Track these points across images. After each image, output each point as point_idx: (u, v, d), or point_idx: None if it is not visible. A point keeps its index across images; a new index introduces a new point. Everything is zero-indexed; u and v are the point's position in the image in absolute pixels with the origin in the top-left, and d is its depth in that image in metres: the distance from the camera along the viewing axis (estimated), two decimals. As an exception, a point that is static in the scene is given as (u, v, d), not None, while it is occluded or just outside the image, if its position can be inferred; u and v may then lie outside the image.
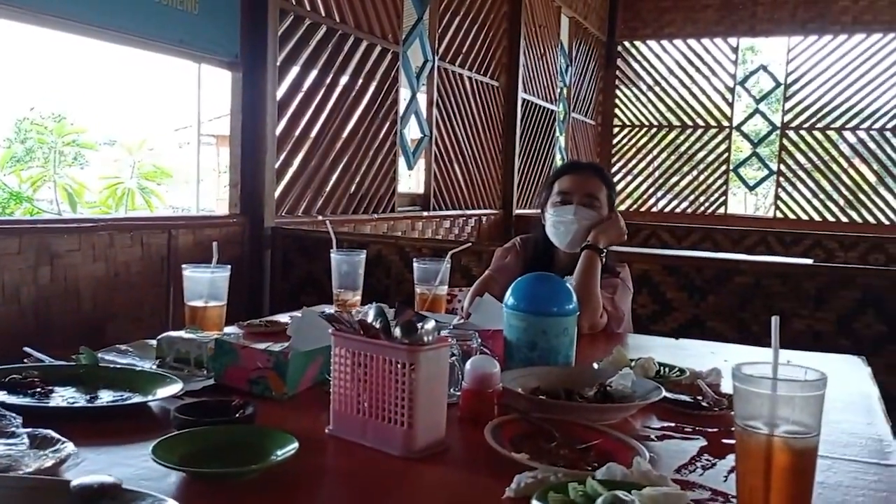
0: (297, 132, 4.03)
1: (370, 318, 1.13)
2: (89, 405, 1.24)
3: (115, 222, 3.09)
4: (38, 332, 2.65)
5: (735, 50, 9.01)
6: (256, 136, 3.67)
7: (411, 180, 5.90)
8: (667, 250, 5.69)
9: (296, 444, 1.01)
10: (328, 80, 4.23)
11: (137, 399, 1.26)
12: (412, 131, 5.43)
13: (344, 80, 4.39)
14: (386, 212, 4.89)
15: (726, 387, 1.42)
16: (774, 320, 0.94)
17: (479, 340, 1.46)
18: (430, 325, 1.11)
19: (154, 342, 1.58)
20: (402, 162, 5.14)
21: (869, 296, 2.78)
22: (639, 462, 0.97)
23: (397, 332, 1.10)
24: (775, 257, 5.04)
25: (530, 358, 1.50)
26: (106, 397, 1.28)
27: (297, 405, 1.32)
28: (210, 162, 18.03)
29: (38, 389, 1.27)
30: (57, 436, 1.01)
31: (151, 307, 3.16)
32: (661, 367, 1.55)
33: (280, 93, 3.83)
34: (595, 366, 1.54)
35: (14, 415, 1.04)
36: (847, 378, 1.63)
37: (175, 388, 1.29)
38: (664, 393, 1.32)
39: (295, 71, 3.97)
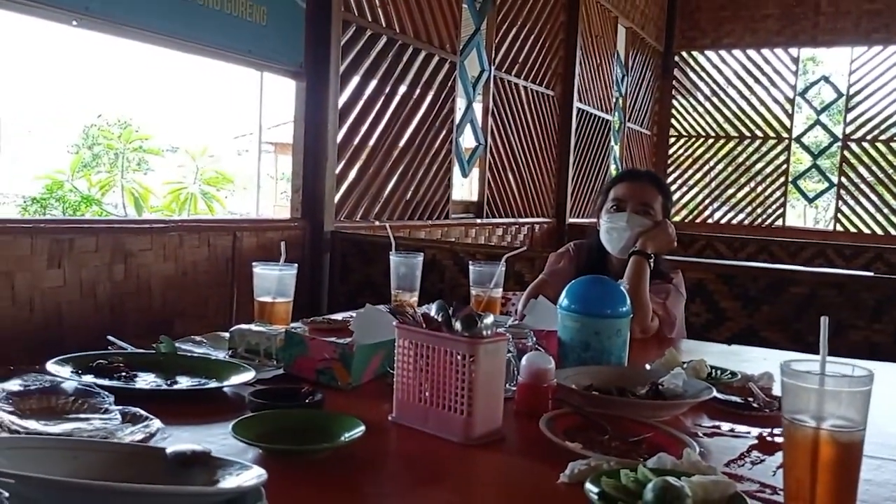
0: (357, 140, 4.14)
1: (433, 312, 1.20)
2: (171, 388, 1.33)
3: (184, 223, 3.23)
4: (112, 325, 2.78)
5: (796, 60, 8.87)
6: (318, 143, 3.79)
7: (465, 188, 5.97)
8: (718, 260, 5.64)
9: (363, 427, 1.08)
10: (387, 89, 4.33)
11: (214, 384, 1.35)
12: (467, 140, 5.50)
13: (403, 89, 4.49)
14: (440, 218, 4.97)
15: (777, 390, 1.44)
16: (823, 320, 0.98)
17: (535, 339, 1.51)
18: (489, 319, 1.18)
19: (226, 334, 1.67)
20: (457, 170, 5.22)
21: (929, 309, 2.74)
22: (689, 453, 1.02)
23: (458, 325, 1.17)
24: (834, 269, 4.97)
25: (583, 358, 1.55)
26: (185, 382, 1.37)
27: (361, 395, 1.39)
28: (268, 169, 18.46)
29: (124, 374, 1.36)
30: (145, 413, 1.10)
31: (216, 305, 3.28)
32: (713, 370, 1.59)
33: (341, 101, 3.94)
34: (647, 367, 1.58)
35: (107, 393, 1.13)
36: (900, 386, 1.63)
37: (248, 375, 1.38)
38: (715, 392, 1.35)
39: (356, 80, 4.08)
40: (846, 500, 0.91)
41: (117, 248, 2.84)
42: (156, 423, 1.06)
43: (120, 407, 1.11)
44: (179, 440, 1.07)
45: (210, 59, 3.29)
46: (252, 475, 0.77)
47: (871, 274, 3.77)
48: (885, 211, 8.42)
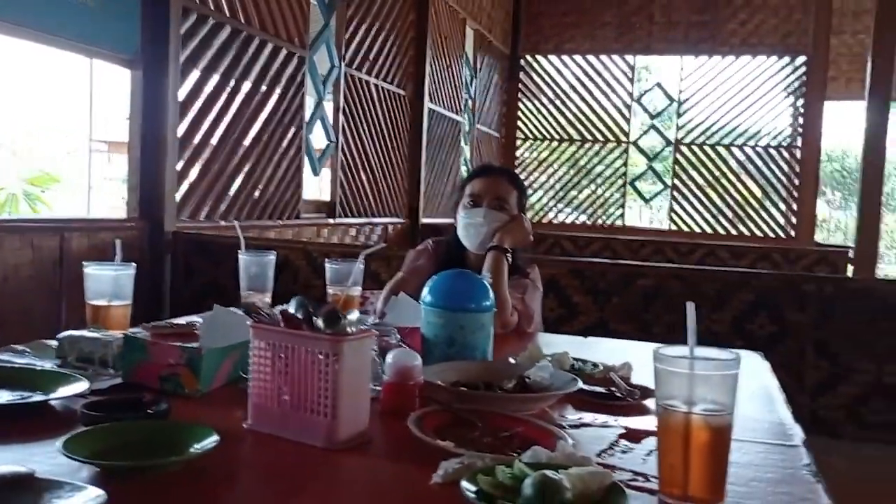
0: (200, 135, 3.93)
1: (292, 309, 1.11)
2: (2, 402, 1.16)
3: (3, 224, 2.92)
4: (-84, 339, 2.47)
5: (632, 68, 9.36)
6: (157, 138, 3.55)
7: (317, 187, 5.84)
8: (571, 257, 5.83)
9: (216, 437, 0.98)
10: (232, 83, 4.14)
11: (39, 397, 1.19)
12: (318, 138, 5.37)
13: (248, 82, 4.31)
14: (291, 218, 4.81)
15: (636, 379, 1.46)
16: (690, 306, 0.98)
17: (399, 337, 1.45)
18: (353, 315, 1.10)
19: (53, 342, 1.50)
20: (307, 168, 5.08)
21: (761, 299, 2.93)
22: (563, 446, 0.99)
23: (320, 322, 1.08)
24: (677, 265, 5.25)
25: (448, 354, 1.50)
26: (4, 396, 1.20)
27: (211, 402, 1.28)
28: (102, 169, 17.31)
29: (-71, 389, 1.18)
30: (-47, 434, 0.94)
31: (42, 312, 3.00)
32: (575, 362, 1.59)
33: (182, 94, 3.72)
34: (512, 360, 1.56)
35: None
36: (748, 371, 1.70)
37: (80, 386, 1.22)
38: (581, 384, 1.34)
39: (197, 72, 3.87)
40: (718, 482, 0.92)
41: (-77, 250, 2.52)
42: (-34, 446, 0.91)
43: (-80, 428, 0.94)
44: (2, 461, 0.93)
45: (34, 44, 2.99)
46: (87, 497, 0.66)
47: (710, 268, 4.01)
48: (713, 210, 9.04)
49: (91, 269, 1.66)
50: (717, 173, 9.06)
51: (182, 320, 1.98)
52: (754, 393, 1.51)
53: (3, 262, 2.82)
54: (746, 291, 2.90)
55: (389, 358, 1.26)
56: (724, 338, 2.88)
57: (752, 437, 1.19)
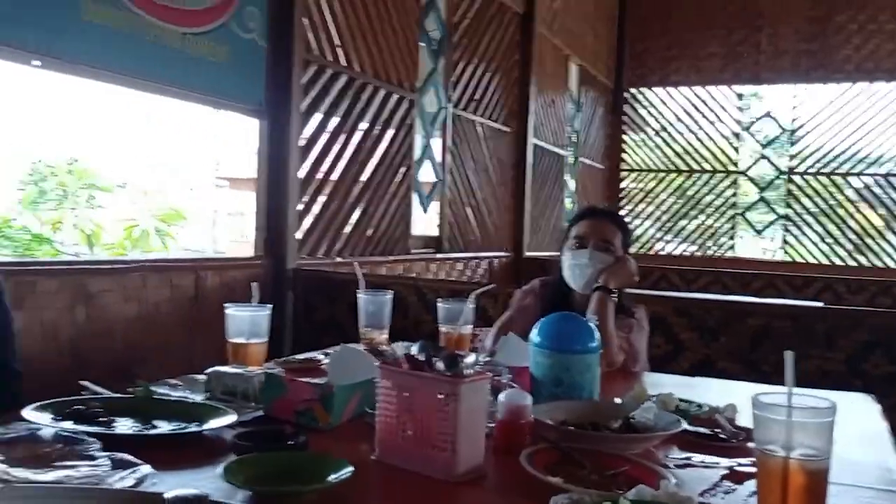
0: (318, 177, 4.17)
1: (415, 352, 1.23)
2: (154, 433, 1.33)
3: (146, 263, 3.21)
4: (73, 369, 2.74)
5: (740, 97, 9.19)
6: (280, 181, 3.81)
7: (425, 223, 6.03)
8: (677, 293, 5.77)
9: (351, 468, 1.11)
10: (348, 127, 4.38)
11: (195, 428, 1.36)
12: (426, 175, 5.57)
13: (363, 126, 4.54)
14: (401, 254, 5.00)
15: (742, 421, 1.50)
16: (788, 355, 1.03)
17: (510, 376, 1.55)
18: (471, 359, 1.21)
19: (201, 377, 1.68)
20: (416, 205, 5.27)
21: (877, 337, 2.86)
22: (666, 484, 1.06)
23: (440, 365, 1.20)
24: (785, 300, 5.12)
25: (556, 393, 1.59)
26: (164, 426, 1.38)
27: (341, 435, 1.41)
28: (223, 204, 18.27)
29: (102, 419, 1.36)
30: (133, 458, 1.11)
31: (179, 345, 3.25)
32: (681, 403, 1.64)
33: (302, 140, 3.97)
34: (618, 401, 1.63)
35: (93, 439, 1.13)
36: (858, 415, 1.71)
37: (229, 418, 1.39)
38: (685, 425, 1.40)
39: (317, 118, 4.12)
40: (816, 525, 0.97)
41: (79, 289, 2.81)
42: (144, 469, 1.07)
43: (107, 453, 1.11)
44: (169, 485, 1.08)
45: (172, 99, 3.30)
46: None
47: (821, 305, 3.91)
48: (829, 240, 8.71)
49: (232, 310, 1.85)
50: (832, 202, 8.74)
51: (307, 355, 2.15)
52: (862, 436, 1.52)
53: (146, 299, 3.09)
54: (861, 330, 2.84)
55: (502, 397, 1.36)
56: (838, 378, 2.82)
57: (855, 481, 1.22)
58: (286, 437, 1.27)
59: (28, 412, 1.33)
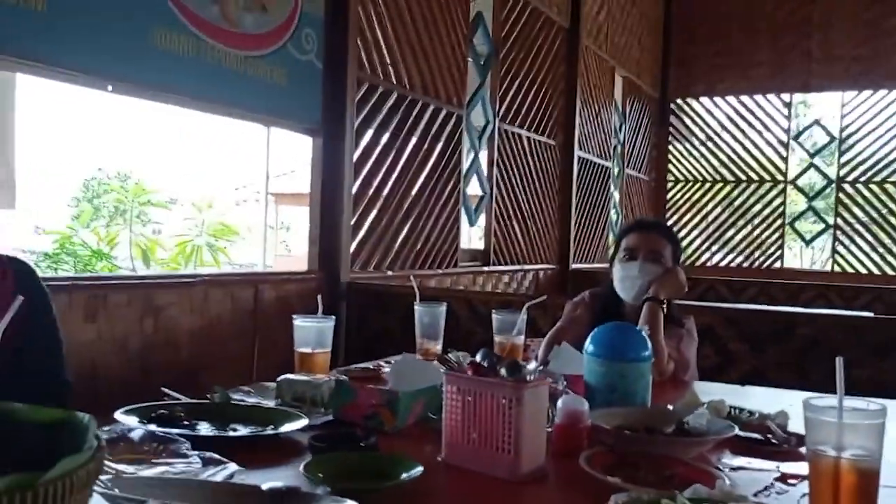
0: (370, 192, 4.29)
1: (479, 360, 1.31)
2: (237, 434, 1.43)
3: (209, 277, 3.35)
4: (141, 377, 2.88)
5: (788, 105, 9.11)
6: (334, 197, 3.93)
7: (473, 236, 6.11)
8: (726, 304, 5.75)
9: (421, 467, 1.19)
10: (398, 143, 4.49)
11: (272, 431, 1.45)
12: (474, 189, 5.66)
13: (413, 141, 4.65)
14: (450, 266, 5.09)
15: (793, 427, 1.54)
16: (839, 361, 1.09)
17: (565, 383, 1.62)
18: (532, 365, 1.29)
19: (271, 384, 1.78)
20: (464, 218, 5.36)
21: (930, 347, 2.85)
22: (721, 484, 1.12)
23: (503, 371, 1.28)
24: (835, 310, 5.08)
25: (610, 400, 1.65)
26: (242, 430, 1.47)
27: (406, 438, 1.49)
28: (268, 219, 18.62)
29: (185, 422, 1.47)
30: (220, 457, 1.20)
31: (239, 355, 3.38)
32: (732, 409, 1.69)
33: (355, 156, 4.09)
34: (670, 407, 1.68)
35: (183, 439, 1.23)
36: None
37: (302, 422, 1.48)
38: (737, 430, 1.45)
39: (369, 134, 4.24)
40: (866, 523, 1.02)
41: (147, 302, 2.95)
42: (232, 466, 1.16)
43: (196, 452, 1.21)
44: (256, 480, 1.18)
45: (234, 119, 3.44)
46: (346, 505, 0.88)
47: (872, 315, 3.89)
48: (881, 251, 8.56)
49: (300, 322, 1.95)
50: (883, 211, 8.59)
51: (366, 364, 2.25)
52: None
53: (209, 311, 3.23)
54: (914, 340, 2.84)
55: (560, 403, 1.43)
56: (892, 387, 2.82)
57: (907, 484, 1.25)
58: (358, 439, 1.36)
59: (119, 415, 1.44)
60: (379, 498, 1.14)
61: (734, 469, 1.34)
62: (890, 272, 8.43)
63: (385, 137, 4.38)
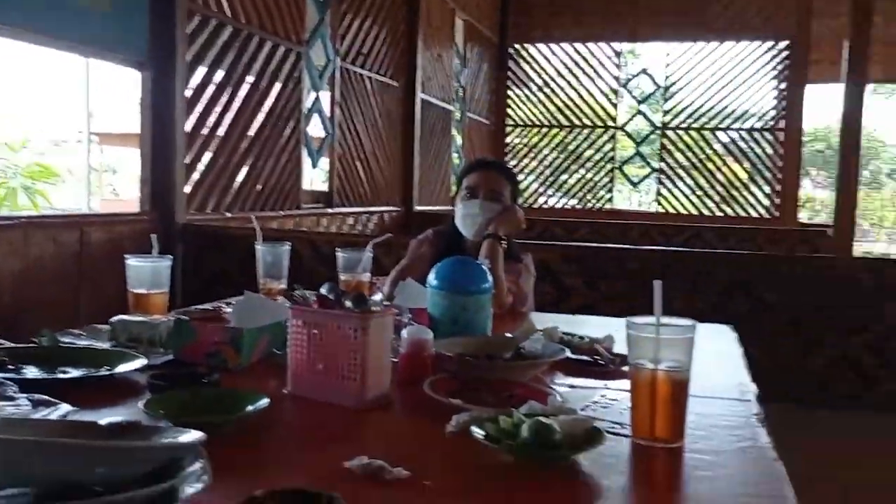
0: (205, 130, 4.11)
1: (325, 293, 1.32)
2: (73, 376, 1.36)
3: (30, 220, 3.12)
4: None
5: (618, 54, 9.56)
6: (166, 135, 3.73)
7: (315, 178, 6.02)
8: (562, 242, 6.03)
9: (267, 399, 1.18)
10: (234, 79, 4.32)
11: (106, 372, 1.39)
12: (316, 130, 5.56)
13: (250, 79, 4.49)
14: (292, 208, 5.00)
15: (618, 349, 1.67)
16: (657, 284, 1.18)
17: (410, 316, 1.66)
18: (377, 297, 1.31)
19: (104, 326, 1.70)
20: (306, 160, 5.26)
21: (739, 278, 3.15)
22: (553, 399, 1.20)
23: (349, 303, 1.29)
24: (659, 247, 5.47)
25: (453, 331, 1.71)
26: (73, 373, 1.40)
27: (251, 374, 1.48)
28: (93, 161, 17.40)
29: (10, 366, 1.38)
30: (50, 398, 1.14)
31: (64, 300, 3.19)
32: (564, 335, 1.80)
33: (188, 92, 3.89)
34: (508, 335, 1.76)
35: (10, 382, 1.16)
36: (718, 342, 1.93)
37: (139, 362, 1.43)
38: (568, 353, 1.56)
39: (202, 70, 4.04)
40: (678, 427, 1.13)
41: (-42, 246, 2.71)
42: (65, 407, 1.11)
43: (24, 394, 1.14)
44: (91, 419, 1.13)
45: (51, 49, 3.17)
46: (191, 436, 0.86)
47: (691, 249, 4.23)
48: (699, 193, 9.27)
49: (133, 261, 1.86)
50: (702, 156, 9.28)
51: (208, 305, 2.19)
52: (721, 360, 1.73)
53: (30, 254, 3.01)
54: (724, 272, 3.12)
55: (405, 333, 1.46)
56: (704, 315, 3.08)
57: (714, 393, 1.40)
58: (200, 377, 1.33)
59: (-67, 362, 1.33)
60: (225, 433, 1.13)
61: (566, 388, 1.44)
62: (706, 212, 9.15)
63: (220, 74, 4.19)
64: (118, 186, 19.00)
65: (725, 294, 3.15)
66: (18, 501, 0.76)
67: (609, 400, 1.36)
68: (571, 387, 1.46)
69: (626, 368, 1.55)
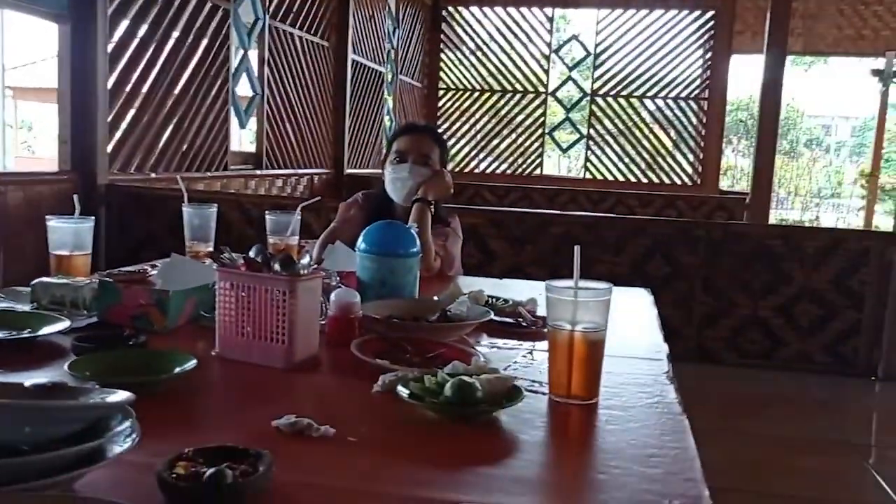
0: (128, 88, 3.99)
1: (252, 255, 1.33)
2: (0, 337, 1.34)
3: (-60, 177, 2.99)
4: None
5: (550, 20, 9.61)
6: (87, 91, 3.62)
7: (244, 139, 5.92)
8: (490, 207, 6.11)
9: (194, 360, 1.20)
10: (158, 36, 4.20)
11: (28, 334, 1.38)
12: (244, 90, 5.45)
13: (175, 35, 4.37)
14: (219, 169, 4.92)
15: (541, 311, 1.73)
16: (576, 249, 1.24)
17: (338, 279, 1.68)
18: (305, 260, 1.33)
19: (25, 289, 1.67)
20: (234, 121, 5.17)
21: (657, 243, 3.26)
22: (476, 360, 1.25)
23: (277, 266, 1.31)
24: (583, 212, 5.60)
25: (381, 294, 1.74)
26: (-5, 335, 1.38)
27: (178, 337, 1.49)
28: (6, 117, 16.66)
29: (-76, 330, 1.35)
30: (-29, 362, 1.13)
31: (-18, 264, 3.09)
32: (490, 298, 1.85)
33: (110, 46, 3.77)
34: (435, 298, 1.81)
35: (-73, 346, 1.14)
36: (635, 305, 2.02)
37: (63, 324, 1.42)
38: (492, 315, 1.61)
39: (125, 25, 3.92)
40: (593, 384, 1.19)
41: None
42: (-16, 371, 1.10)
43: (-58, 359, 1.13)
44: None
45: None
46: (119, 396, 0.87)
47: (613, 215, 4.34)
48: (626, 160, 9.48)
49: (54, 223, 1.82)
50: (630, 123, 9.47)
51: (134, 267, 2.16)
52: (638, 321, 1.81)
53: (-58, 215, 2.90)
54: (644, 237, 3.23)
55: (333, 296, 1.49)
56: (624, 279, 3.21)
57: (629, 353, 1.48)
58: (126, 339, 1.33)
59: None
60: (154, 394, 1.14)
61: (489, 347, 1.49)
62: (633, 178, 9.37)
63: (143, 29, 4.07)
64: (34, 144, 18.24)
65: (644, 259, 3.27)
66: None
67: (530, 360, 1.42)
68: (495, 347, 1.51)
69: (546, 329, 1.62)
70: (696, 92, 9.30)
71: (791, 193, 19.56)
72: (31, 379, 1.12)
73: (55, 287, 1.60)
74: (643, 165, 9.43)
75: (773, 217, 9.08)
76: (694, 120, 9.30)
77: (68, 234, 1.84)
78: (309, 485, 0.86)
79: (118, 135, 3.95)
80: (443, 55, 9.75)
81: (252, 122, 5.60)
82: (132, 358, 1.24)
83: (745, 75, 12.55)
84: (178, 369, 1.18)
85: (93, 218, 1.89)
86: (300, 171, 6.11)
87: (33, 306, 1.58)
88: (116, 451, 0.81)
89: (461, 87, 9.79)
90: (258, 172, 5.47)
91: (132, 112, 4.06)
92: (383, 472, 0.92)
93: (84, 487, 0.80)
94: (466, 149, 9.87)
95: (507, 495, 0.86)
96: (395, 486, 0.87)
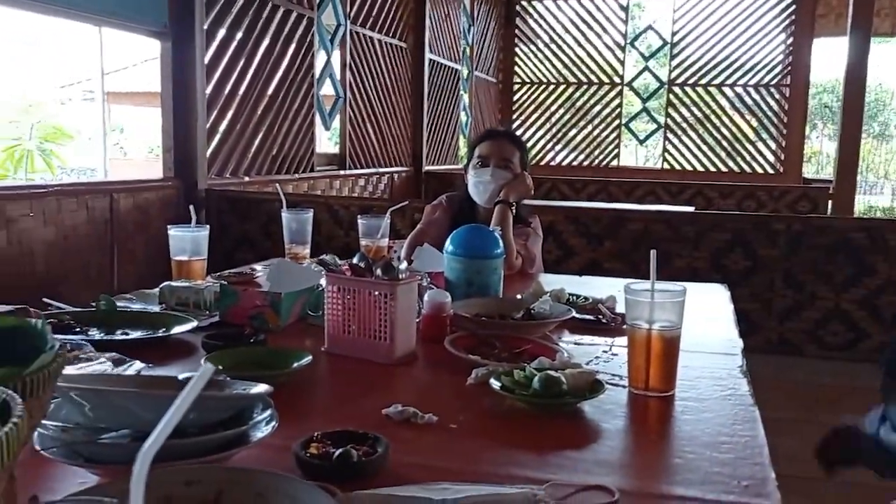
0: (223, 97, 4.24)
1: (356, 261, 1.48)
2: (138, 337, 1.53)
3: (62, 187, 3.27)
4: (-1, 292, 2.84)
5: (625, 9, 9.56)
6: (187, 102, 3.87)
7: (328, 140, 6.15)
8: (567, 202, 6.18)
9: (310, 356, 1.36)
10: (249, 45, 4.43)
11: (164, 333, 1.56)
12: (327, 93, 5.67)
13: (264, 43, 4.60)
14: (306, 171, 5.15)
15: (620, 308, 1.83)
16: (652, 253, 1.34)
17: (429, 279, 1.82)
18: (403, 265, 1.47)
19: (150, 291, 1.88)
20: (319, 123, 5.39)
21: (736, 237, 3.30)
22: (560, 355, 1.37)
23: (378, 271, 1.45)
24: (662, 206, 5.61)
25: (468, 293, 1.88)
26: (135, 334, 1.58)
27: (290, 334, 1.66)
28: (105, 121, 17.50)
29: (77, 329, 1.55)
30: (124, 357, 1.32)
31: (98, 267, 3.37)
32: (570, 296, 1.96)
33: (207, 58, 4.02)
34: (519, 296, 1.93)
35: (86, 343, 1.34)
36: (712, 301, 2.10)
37: (191, 324, 1.60)
38: (574, 313, 1.72)
39: (219, 35, 4.16)
40: (670, 378, 1.30)
41: (-2, 214, 2.88)
42: (138, 364, 1.29)
43: (101, 354, 1.32)
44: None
45: (74, 22, 3.29)
46: (259, 388, 1.03)
47: (691, 210, 4.37)
48: (704, 148, 9.35)
49: (174, 231, 2.03)
50: (708, 112, 9.34)
51: (239, 270, 2.36)
52: (714, 317, 1.89)
53: (63, 222, 3.18)
54: (722, 231, 3.27)
55: (426, 296, 1.63)
56: (703, 273, 3.26)
57: (704, 348, 1.57)
58: (247, 337, 1.50)
59: (10, 326, 1.50)
60: (277, 385, 1.30)
61: (572, 344, 1.61)
62: (712, 168, 9.24)
63: (236, 41, 4.31)
64: (125, 145, 19.12)
65: (723, 253, 3.31)
66: (120, 439, 0.93)
67: (610, 355, 1.53)
68: (577, 344, 1.62)
69: (626, 327, 1.72)
70: (778, 78, 9.10)
71: (882, 178, 18.83)
72: (170, 373, 1.31)
73: (180, 290, 1.80)
74: (723, 155, 9.29)
75: (862, 203, 8.82)
76: (775, 107, 9.11)
77: (187, 241, 2.04)
78: (420, 465, 1.00)
79: (215, 141, 4.20)
80: (517, 49, 9.81)
81: (335, 124, 5.82)
82: (256, 354, 1.40)
83: (829, 59, 12.19)
84: (296, 364, 1.34)
85: (207, 226, 2.09)
86: (381, 170, 6.30)
87: (162, 307, 1.78)
88: (259, 436, 0.96)
89: (536, 80, 9.84)
90: (342, 172, 5.69)
91: (227, 119, 4.31)
92: (483, 454, 1.05)
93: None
94: (542, 142, 9.91)
95: (591, 476, 0.98)
96: (494, 467, 1.00)
